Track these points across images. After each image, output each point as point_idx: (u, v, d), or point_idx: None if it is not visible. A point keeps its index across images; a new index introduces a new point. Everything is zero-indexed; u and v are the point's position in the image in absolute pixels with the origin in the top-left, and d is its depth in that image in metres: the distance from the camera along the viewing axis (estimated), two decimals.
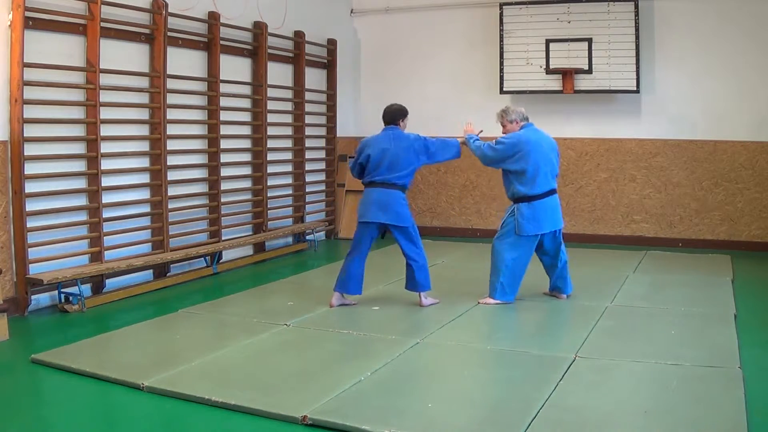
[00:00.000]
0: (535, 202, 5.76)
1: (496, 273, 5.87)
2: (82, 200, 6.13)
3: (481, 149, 5.85)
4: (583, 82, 8.95)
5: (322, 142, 9.60)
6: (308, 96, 9.13)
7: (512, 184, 5.80)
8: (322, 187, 9.67)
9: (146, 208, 6.73)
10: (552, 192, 5.84)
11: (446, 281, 6.43)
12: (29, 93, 5.56)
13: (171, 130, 6.88)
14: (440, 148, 5.86)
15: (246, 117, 8.11)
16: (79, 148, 6.09)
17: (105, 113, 6.17)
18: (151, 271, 6.82)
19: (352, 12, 10.32)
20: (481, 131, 6.07)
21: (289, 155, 8.91)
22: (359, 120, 10.30)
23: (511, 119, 5.91)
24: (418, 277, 5.80)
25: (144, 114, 6.71)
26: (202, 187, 7.45)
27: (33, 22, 5.60)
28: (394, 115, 5.88)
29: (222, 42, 7.49)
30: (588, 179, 9.34)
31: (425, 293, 5.88)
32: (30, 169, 5.62)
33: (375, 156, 5.73)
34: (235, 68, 7.80)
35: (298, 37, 8.85)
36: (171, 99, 6.87)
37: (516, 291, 5.91)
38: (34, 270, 5.66)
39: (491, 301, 5.88)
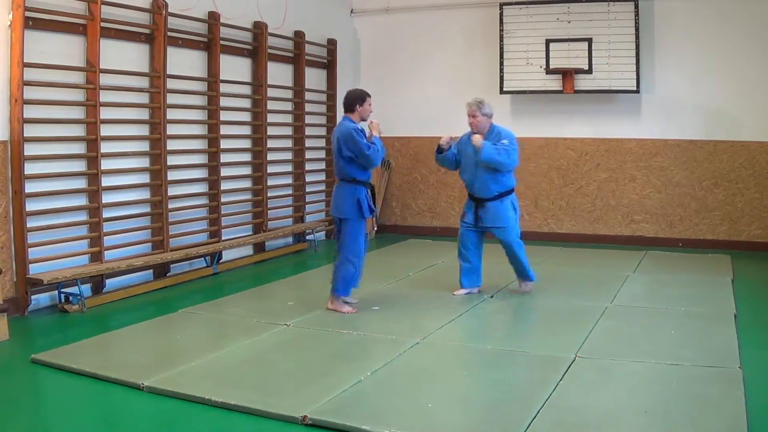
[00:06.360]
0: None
1: (525, 258, 6.05)
2: (82, 200, 6.13)
3: (513, 155, 5.87)
4: (583, 82, 8.94)
5: (322, 142, 9.60)
6: (308, 96, 9.13)
7: (505, 177, 5.94)
8: (322, 187, 9.67)
9: (146, 208, 6.73)
10: None
11: (446, 281, 6.42)
12: (29, 93, 5.56)
13: (171, 130, 6.88)
14: (358, 155, 5.42)
15: (246, 117, 8.11)
16: (79, 148, 6.10)
17: (105, 113, 6.17)
18: (151, 271, 6.82)
19: (352, 12, 10.32)
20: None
21: (289, 155, 8.91)
22: None
23: (485, 112, 5.97)
24: (333, 277, 5.64)
25: (144, 114, 6.71)
26: (202, 187, 7.45)
27: (33, 22, 5.60)
28: (350, 102, 5.61)
29: (222, 42, 7.49)
30: (588, 179, 9.34)
31: (336, 297, 5.63)
32: (30, 169, 5.62)
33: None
34: (235, 68, 7.80)
35: (298, 37, 8.85)
36: (171, 99, 6.87)
37: None
38: (34, 270, 5.66)
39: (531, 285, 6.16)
